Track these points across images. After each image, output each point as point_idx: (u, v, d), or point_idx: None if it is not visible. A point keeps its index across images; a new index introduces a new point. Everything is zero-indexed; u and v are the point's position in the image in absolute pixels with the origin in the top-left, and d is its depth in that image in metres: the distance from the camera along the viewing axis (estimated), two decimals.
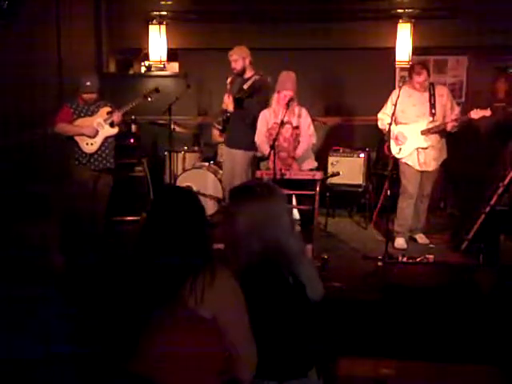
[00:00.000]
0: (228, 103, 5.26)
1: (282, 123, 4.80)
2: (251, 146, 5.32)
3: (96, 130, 5.07)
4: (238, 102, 5.23)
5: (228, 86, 5.45)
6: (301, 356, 1.90)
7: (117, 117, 5.11)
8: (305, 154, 5.03)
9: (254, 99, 5.24)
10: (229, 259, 1.91)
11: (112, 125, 5.13)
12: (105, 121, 5.10)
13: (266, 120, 5.05)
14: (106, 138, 5.13)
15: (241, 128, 5.30)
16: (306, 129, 4.98)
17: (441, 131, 5.21)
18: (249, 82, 5.25)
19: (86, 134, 5.05)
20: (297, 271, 1.91)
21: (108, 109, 5.14)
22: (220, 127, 5.70)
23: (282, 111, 4.81)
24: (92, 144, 5.07)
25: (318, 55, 6.69)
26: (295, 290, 1.88)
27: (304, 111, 5.01)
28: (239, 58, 5.30)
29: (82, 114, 5.10)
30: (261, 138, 5.08)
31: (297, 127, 4.98)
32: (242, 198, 1.94)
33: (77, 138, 5.06)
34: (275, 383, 1.84)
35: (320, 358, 1.99)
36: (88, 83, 5.08)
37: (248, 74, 5.36)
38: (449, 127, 5.15)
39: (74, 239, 4.19)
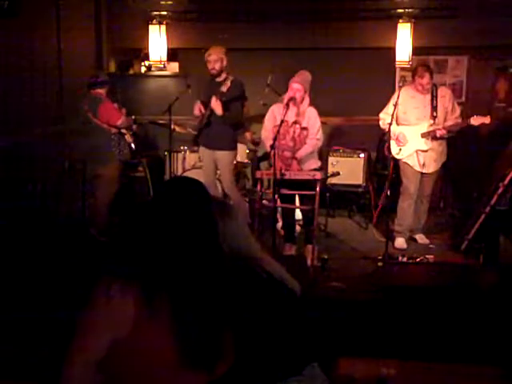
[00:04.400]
0: (215, 106, 5.15)
1: (282, 122, 4.77)
2: (235, 145, 5.42)
3: (131, 121, 5.65)
4: (225, 105, 5.17)
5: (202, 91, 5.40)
6: (288, 353, 1.89)
7: (123, 110, 5.63)
8: (309, 155, 4.97)
9: (238, 103, 5.22)
10: None
11: None
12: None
13: (274, 116, 5.00)
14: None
15: (225, 129, 5.26)
16: (315, 132, 4.89)
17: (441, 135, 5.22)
18: (227, 83, 5.17)
19: (130, 126, 5.57)
20: (265, 267, 1.90)
21: (115, 104, 5.60)
22: (196, 132, 5.61)
23: (282, 111, 4.78)
24: (131, 135, 5.58)
25: (318, 55, 6.69)
26: (271, 286, 1.87)
27: (314, 113, 4.91)
28: (219, 59, 5.20)
29: None
30: (265, 134, 5.03)
31: (305, 128, 4.91)
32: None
33: (124, 131, 5.48)
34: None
35: (317, 355, 1.98)
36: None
37: (222, 76, 5.27)
38: (438, 134, 5.15)
39: None
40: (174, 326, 1.56)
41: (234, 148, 5.42)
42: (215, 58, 5.19)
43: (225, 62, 5.25)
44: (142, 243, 1.64)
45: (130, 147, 5.55)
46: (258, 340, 1.81)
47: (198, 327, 1.60)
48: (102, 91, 5.41)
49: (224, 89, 5.16)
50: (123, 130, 5.47)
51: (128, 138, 5.53)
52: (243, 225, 2.01)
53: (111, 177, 5.42)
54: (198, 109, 5.35)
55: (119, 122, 5.37)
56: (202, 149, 5.54)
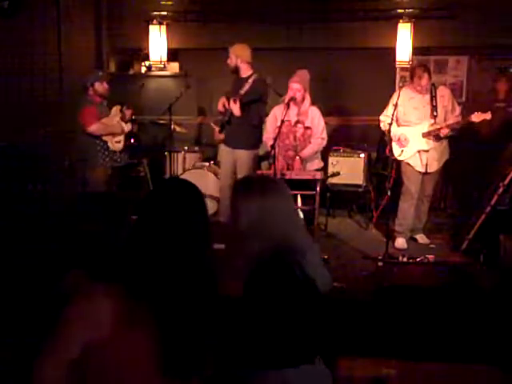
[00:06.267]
0: (233, 107, 5.18)
1: (283, 122, 4.78)
2: (255, 145, 5.36)
3: (122, 127, 5.42)
4: (244, 106, 5.19)
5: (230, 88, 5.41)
6: (307, 343, 1.89)
7: (129, 113, 5.48)
8: (313, 154, 4.98)
9: (259, 103, 5.20)
10: (230, 257, 1.89)
11: (125, 121, 5.48)
12: (121, 118, 5.43)
13: (275, 118, 4.99)
14: (126, 135, 5.49)
15: (245, 129, 5.26)
16: (319, 132, 4.90)
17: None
18: (249, 82, 5.22)
19: (116, 133, 5.36)
20: (304, 263, 1.89)
21: (119, 107, 5.46)
22: (218, 127, 5.61)
23: (283, 110, 4.79)
24: (119, 142, 5.39)
25: (318, 55, 6.69)
26: (304, 285, 1.86)
27: (318, 113, 4.92)
28: (232, 56, 5.28)
29: (103, 115, 5.35)
30: (267, 135, 5.05)
31: (308, 127, 4.91)
32: (247, 193, 1.90)
33: (106, 138, 5.30)
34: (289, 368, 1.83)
35: (324, 349, 1.98)
36: (100, 73, 5.48)
37: (244, 73, 5.30)
38: (442, 134, 5.15)
39: None
40: (155, 334, 1.53)
41: (255, 147, 5.36)
42: (229, 55, 5.28)
43: (240, 61, 5.26)
44: (128, 246, 1.62)
45: (114, 156, 5.41)
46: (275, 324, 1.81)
47: (181, 336, 1.57)
48: (94, 94, 5.33)
49: (244, 89, 5.18)
50: (105, 138, 5.32)
51: (112, 145, 5.36)
52: (290, 208, 1.99)
53: (96, 181, 5.35)
54: (221, 104, 5.36)
55: (90, 129, 5.22)
56: (222, 147, 5.54)
